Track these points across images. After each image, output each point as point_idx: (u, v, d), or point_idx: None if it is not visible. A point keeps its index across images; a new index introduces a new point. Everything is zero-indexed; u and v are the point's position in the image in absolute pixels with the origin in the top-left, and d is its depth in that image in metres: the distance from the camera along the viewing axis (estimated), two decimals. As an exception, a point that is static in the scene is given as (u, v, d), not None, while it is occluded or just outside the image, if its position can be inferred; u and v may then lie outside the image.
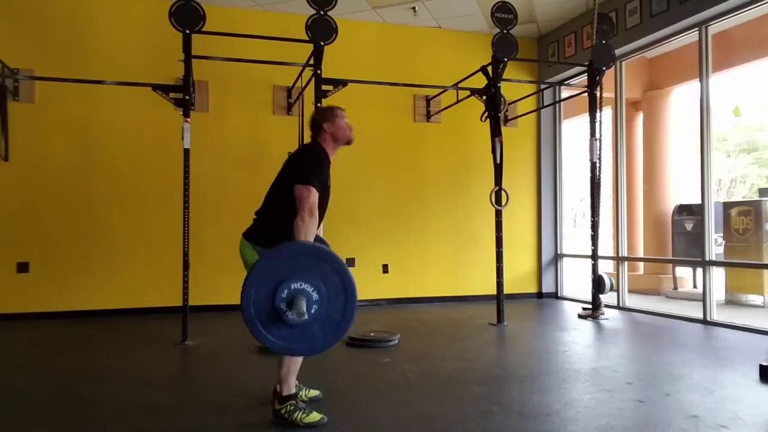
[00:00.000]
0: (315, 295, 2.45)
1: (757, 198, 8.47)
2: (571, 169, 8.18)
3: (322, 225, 3.02)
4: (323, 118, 2.94)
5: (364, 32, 6.94)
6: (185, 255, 4.73)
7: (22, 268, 5.86)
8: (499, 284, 5.57)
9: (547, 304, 7.07)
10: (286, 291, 2.43)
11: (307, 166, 2.75)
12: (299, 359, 2.79)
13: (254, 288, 2.44)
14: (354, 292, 2.53)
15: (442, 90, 6.61)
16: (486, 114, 5.77)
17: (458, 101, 6.49)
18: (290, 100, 6.62)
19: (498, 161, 5.58)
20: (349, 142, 2.99)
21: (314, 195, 2.65)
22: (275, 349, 2.49)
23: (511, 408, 2.97)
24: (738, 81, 11.31)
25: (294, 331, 2.46)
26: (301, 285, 2.44)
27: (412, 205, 7.11)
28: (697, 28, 5.56)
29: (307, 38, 4.82)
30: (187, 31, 4.71)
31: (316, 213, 2.65)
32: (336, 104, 3.07)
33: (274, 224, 2.75)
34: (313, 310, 2.45)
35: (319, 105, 2.88)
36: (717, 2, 5.16)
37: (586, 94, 6.03)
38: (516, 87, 7.04)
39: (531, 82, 7.42)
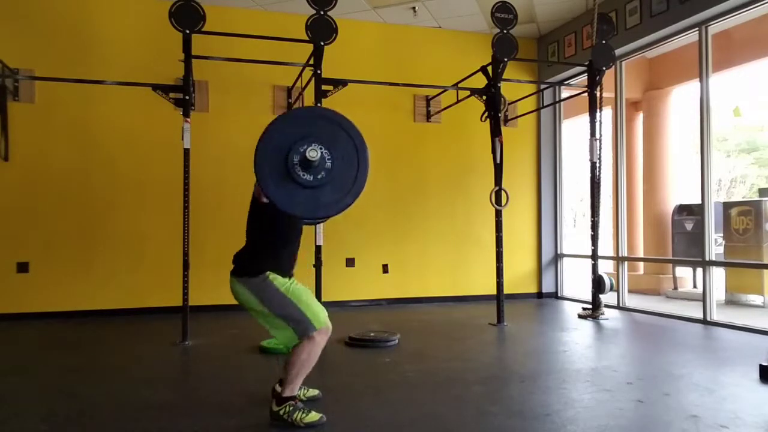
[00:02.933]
0: (328, 163, 2.44)
1: (757, 198, 8.46)
2: (571, 169, 8.18)
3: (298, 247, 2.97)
4: None
5: (364, 32, 6.94)
6: (185, 255, 4.74)
7: (22, 268, 5.86)
8: (499, 284, 5.57)
9: (547, 304, 7.07)
10: (301, 150, 2.41)
11: None
12: (312, 364, 2.72)
13: (269, 146, 2.46)
14: (366, 162, 2.52)
15: (442, 90, 6.61)
16: (486, 114, 5.77)
17: (458, 101, 6.49)
18: (290, 100, 6.62)
19: (498, 161, 5.58)
20: None
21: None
22: (280, 203, 2.50)
23: (511, 408, 2.97)
24: (738, 81, 11.32)
25: (303, 192, 2.45)
26: (317, 147, 2.42)
27: (412, 205, 7.11)
28: (697, 28, 5.56)
29: (307, 38, 4.82)
30: (187, 31, 4.71)
31: None
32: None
33: (253, 251, 2.82)
34: (321, 175, 2.43)
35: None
36: (717, 2, 5.16)
37: (586, 94, 6.03)
38: (516, 87, 7.04)
39: (531, 82, 7.41)
